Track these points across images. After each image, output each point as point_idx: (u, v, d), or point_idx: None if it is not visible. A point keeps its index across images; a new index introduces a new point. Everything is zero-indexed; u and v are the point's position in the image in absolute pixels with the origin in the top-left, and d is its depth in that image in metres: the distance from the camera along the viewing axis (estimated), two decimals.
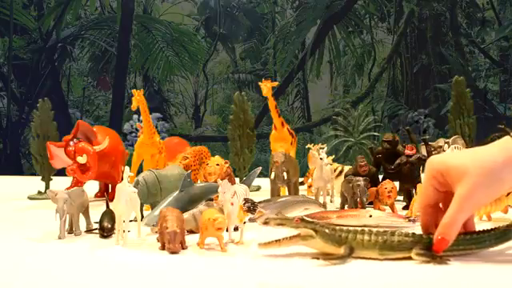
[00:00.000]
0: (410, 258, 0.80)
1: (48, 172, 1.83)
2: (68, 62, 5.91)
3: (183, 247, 0.92)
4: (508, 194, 1.23)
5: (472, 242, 0.83)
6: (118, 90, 5.87)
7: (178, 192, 1.21)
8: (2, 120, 5.77)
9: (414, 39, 5.76)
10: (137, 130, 3.92)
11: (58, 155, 1.60)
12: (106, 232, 1.04)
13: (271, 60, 5.93)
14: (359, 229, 0.82)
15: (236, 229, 0.99)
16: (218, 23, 5.97)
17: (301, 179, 1.80)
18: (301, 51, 5.86)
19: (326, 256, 0.80)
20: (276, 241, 0.83)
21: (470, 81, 5.14)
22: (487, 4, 5.68)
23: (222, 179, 1.03)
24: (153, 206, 1.25)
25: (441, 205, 0.85)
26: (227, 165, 1.43)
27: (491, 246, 0.84)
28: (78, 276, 0.77)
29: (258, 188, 1.93)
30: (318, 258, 0.80)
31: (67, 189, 1.15)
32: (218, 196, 1.26)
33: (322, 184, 1.48)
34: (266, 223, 0.85)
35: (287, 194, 1.55)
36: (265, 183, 1.80)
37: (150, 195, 1.25)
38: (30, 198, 1.77)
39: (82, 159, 1.54)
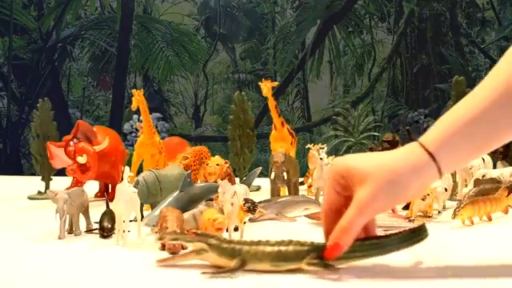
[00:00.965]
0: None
1: (48, 172, 1.83)
2: (68, 62, 5.91)
3: (183, 247, 0.92)
4: (508, 193, 1.23)
5: (370, 247, 0.76)
6: (118, 90, 5.87)
7: (178, 192, 1.20)
8: (2, 120, 5.77)
9: (414, 39, 5.76)
10: (137, 129, 3.92)
11: (58, 155, 1.60)
12: (106, 232, 1.04)
13: (271, 60, 5.93)
14: (256, 240, 0.77)
15: (236, 229, 0.98)
16: (218, 23, 5.97)
17: (301, 179, 1.80)
18: (301, 51, 5.86)
19: (216, 269, 0.75)
20: (172, 257, 0.81)
21: (470, 81, 5.14)
22: (487, 4, 5.68)
23: (222, 179, 1.03)
24: (153, 206, 1.25)
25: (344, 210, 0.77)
26: (227, 165, 1.43)
27: (396, 249, 0.77)
28: (78, 276, 0.77)
29: (258, 188, 1.93)
30: (207, 272, 0.74)
31: (67, 189, 1.15)
32: (218, 196, 1.26)
33: (322, 184, 1.48)
34: (160, 239, 0.82)
35: (287, 193, 1.55)
36: (265, 183, 1.79)
37: (150, 195, 1.25)
38: (30, 198, 1.77)
39: (81, 159, 1.54)
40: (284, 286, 0.70)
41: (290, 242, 0.75)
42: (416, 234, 0.78)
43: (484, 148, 0.76)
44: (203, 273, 0.74)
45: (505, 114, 0.73)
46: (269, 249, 0.74)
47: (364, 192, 0.72)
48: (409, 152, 0.75)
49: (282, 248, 0.74)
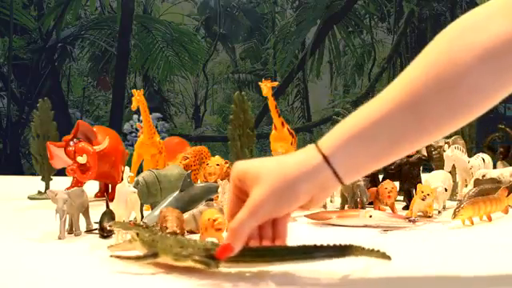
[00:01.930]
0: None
1: (48, 172, 1.83)
2: (68, 62, 5.91)
3: None
4: (509, 193, 1.23)
5: (259, 253, 0.72)
6: (118, 90, 5.86)
7: (177, 192, 1.20)
8: (2, 120, 5.77)
9: (414, 39, 5.76)
10: (137, 129, 3.92)
11: (58, 155, 1.60)
12: (106, 232, 1.04)
13: (271, 60, 5.93)
14: (177, 236, 0.78)
15: None
16: (218, 23, 5.97)
17: None
18: (301, 51, 5.86)
19: (126, 256, 0.81)
20: (116, 244, 0.86)
21: None
22: None
23: (222, 179, 1.03)
24: (153, 206, 1.25)
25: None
26: (227, 165, 1.43)
27: (292, 260, 0.73)
28: (77, 276, 0.77)
29: None
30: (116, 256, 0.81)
31: (67, 189, 1.15)
32: (218, 196, 1.25)
33: None
34: (110, 226, 0.90)
35: None
36: None
37: (149, 195, 1.25)
38: (30, 198, 1.77)
39: (82, 159, 1.54)
40: (284, 286, 0.70)
41: (196, 241, 0.76)
42: (339, 250, 0.73)
43: (388, 154, 0.71)
44: (111, 256, 0.82)
45: (407, 120, 0.68)
46: (176, 244, 0.75)
47: (255, 193, 0.70)
48: (304, 154, 0.71)
49: (186, 243, 0.75)
